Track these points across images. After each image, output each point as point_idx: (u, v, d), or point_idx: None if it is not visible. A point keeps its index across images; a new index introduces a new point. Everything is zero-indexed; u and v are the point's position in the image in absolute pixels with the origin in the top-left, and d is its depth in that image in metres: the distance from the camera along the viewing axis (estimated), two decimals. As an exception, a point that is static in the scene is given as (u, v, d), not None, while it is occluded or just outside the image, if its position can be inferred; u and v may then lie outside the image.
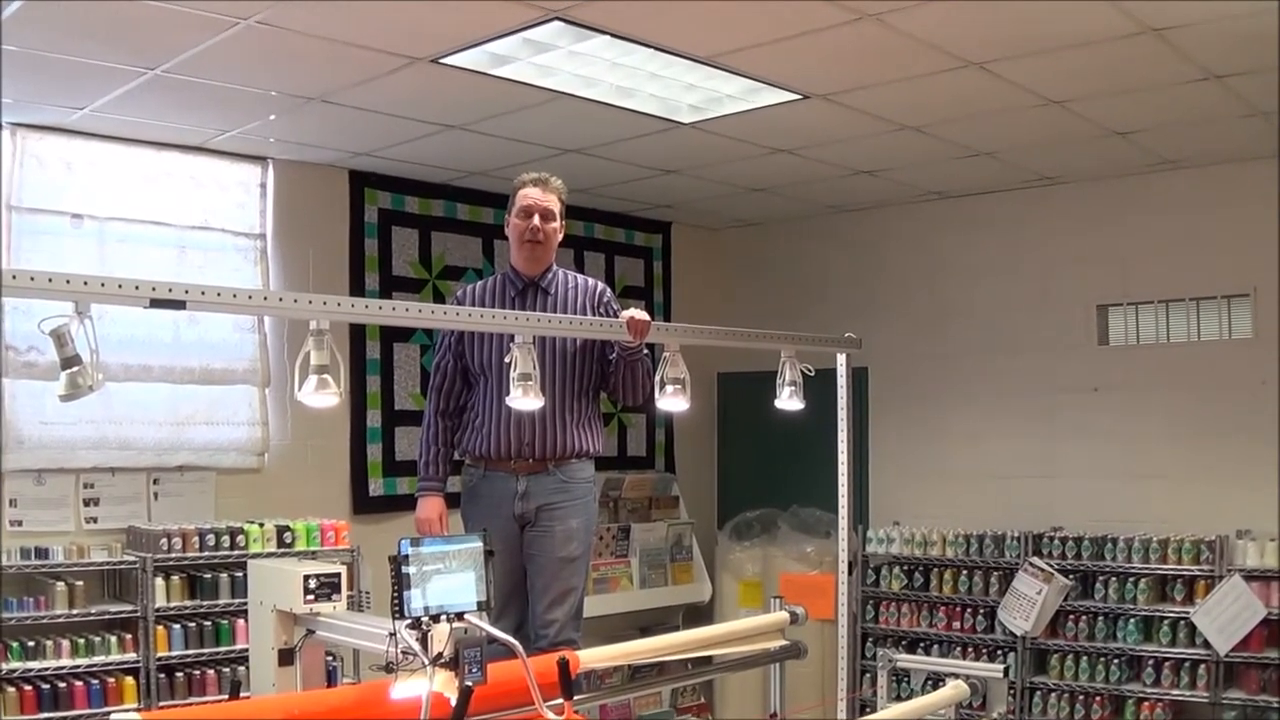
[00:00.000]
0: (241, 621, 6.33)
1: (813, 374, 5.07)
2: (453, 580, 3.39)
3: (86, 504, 6.45)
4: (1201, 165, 7.33)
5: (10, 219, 6.24)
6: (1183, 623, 7.00)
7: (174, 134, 6.60)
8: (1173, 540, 7.10)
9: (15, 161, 6.25)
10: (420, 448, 5.40)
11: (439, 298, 7.74)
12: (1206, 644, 6.87)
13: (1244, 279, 7.25)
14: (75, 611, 6.08)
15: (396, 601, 3.31)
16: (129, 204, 6.63)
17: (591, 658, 4.23)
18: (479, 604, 3.44)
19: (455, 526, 5.36)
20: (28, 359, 6.18)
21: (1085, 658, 7.30)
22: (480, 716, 3.62)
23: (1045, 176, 7.79)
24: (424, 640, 3.32)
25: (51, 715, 5.78)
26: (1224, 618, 6.81)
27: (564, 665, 3.73)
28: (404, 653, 3.36)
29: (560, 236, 5.27)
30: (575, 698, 3.79)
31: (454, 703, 3.25)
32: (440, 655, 3.31)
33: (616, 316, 4.80)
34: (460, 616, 3.38)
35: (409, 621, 3.32)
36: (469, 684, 3.25)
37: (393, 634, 3.37)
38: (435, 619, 3.33)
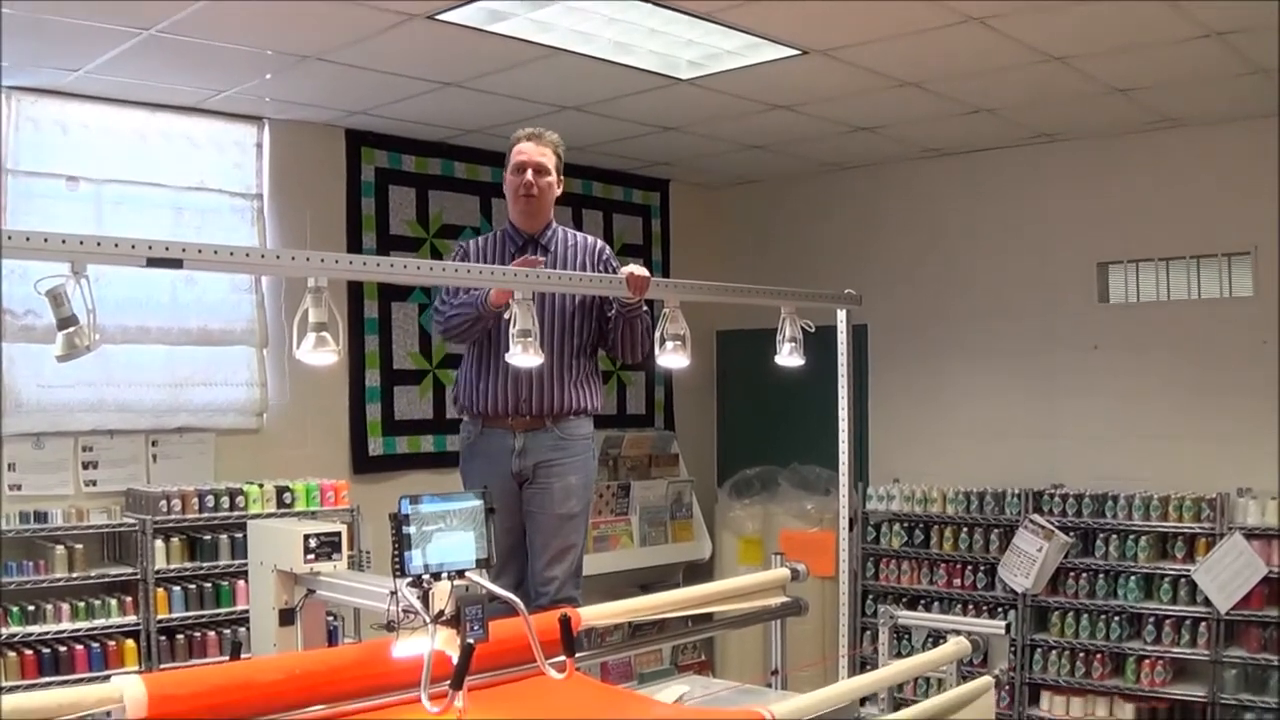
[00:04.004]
0: (242, 583, 6.34)
1: (813, 330, 5.04)
2: (453, 538, 3.38)
3: (85, 467, 6.45)
4: (1203, 123, 7.29)
5: (6, 182, 6.21)
6: (1183, 580, 7.02)
7: (169, 95, 6.56)
8: (1173, 498, 7.10)
9: (10, 125, 6.22)
10: (453, 313, 5.03)
11: (436, 256, 7.70)
12: (1207, 602, 6.89)
13: (1245, 237, 7.23)
14: (75, 575, 6.09)
15: (397, 560, 3.30)
16: (125, 166, 6.60)
17: (592, 615, 4.22)
18: (480, 561, 3.42)
19: (454, 484, 5.35)
20: (25, 322, 6.17)
21: (1086, 615, 7.31)
22: (482, 674, 3.61)
23: (1045, 134, 7.75)
24: (425, 598, 3.31)
25: (52, 679, 5.78)
26: (1225, 575, 6.82)
27: (565, 622, 3.71)
28: (405, 611, 3.35)
29: (558, 191, 5.22)
30: (576, 655, 3.79)
31: (456, 661, 3.24)
32: (442, 613, 3.30)
33: (616, 274, 4.78)
34: (461, 574, 3.37)
35: (410, 580, 3.31)
36: (471, 642, 3.24)
37: (394, 592, 3.35)
38: (436, 577, 3.32)
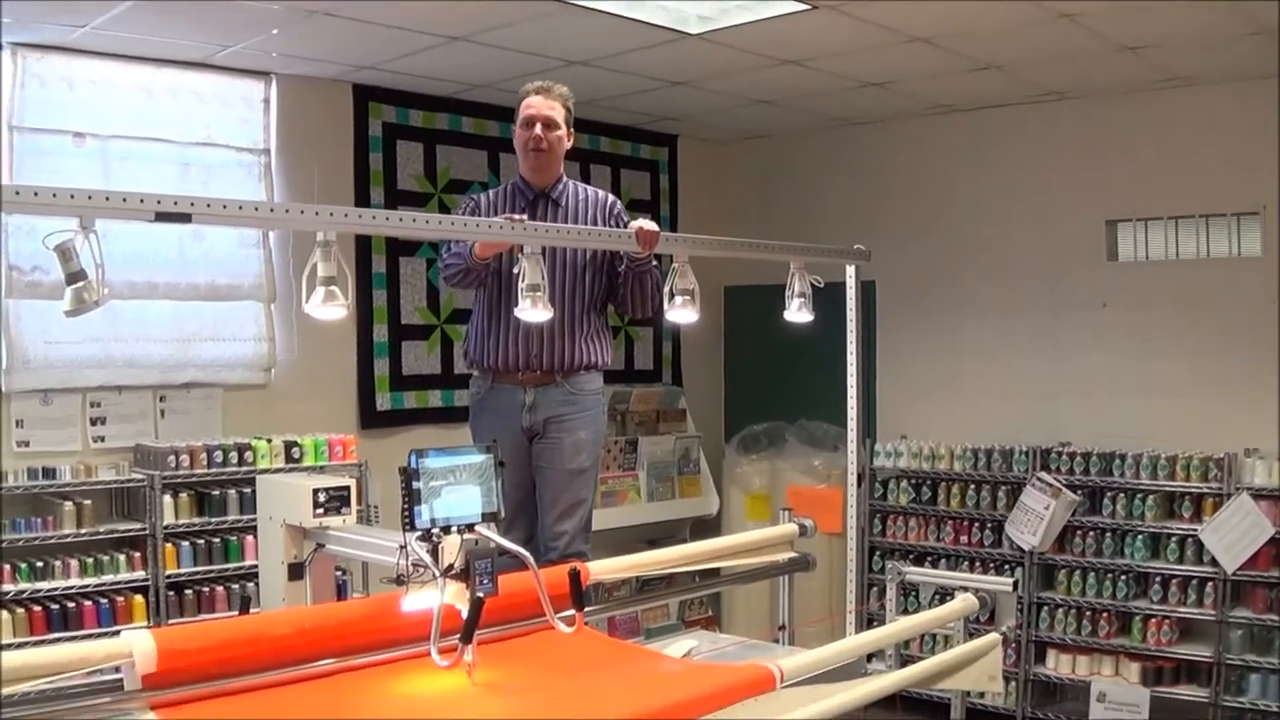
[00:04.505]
0: (250, 538, 6.35)
1: (821, 285, 5.03)
2: (462, 492, 3.38)
3: (93, 423, 6.45)
4: (1213, 82, 7.24)
5: (12, 139, 6.19)
6: (1190, 540, 7.02)
7: (176, 50, 6.53)
8: (1181, 457, 7.09)
9: (16, 82, 6.19)
10: (453, 258, 5.01)
11: (444, 211, 7.66)
12: (1214, 561, 6.89)
13: (1254, 197, 7.19)
14: (84, 531, 6.10)
15: (406, 514, 3.30)
16: (131, 122, 6.57)
17: (601, 569, 4.22)
18: (487, 515, 3.43)
19: (461, 439, 5.35)
20: (32, 279, 6.16)
21: (1093, 574, 7.32)
22: (491, 628, 3.62)
23: (1054, 91, 7.71)
24: (434, 552, 3.32)
25: (61, 635, 5.78)
26: (1231, 535, 6.82)
27: (575, 576, 3.73)
28: (414, 565, 3.36)
29: (568, 145, 5.20)
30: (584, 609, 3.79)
31: (465, 614, 3.24)
32: (451, 567, 3.31)
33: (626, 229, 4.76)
34: (470, 528, 3.37)
35: (419, 534, 3.31)
36: (480, 595, 3.24)
37: (403, 546, 3.36)
38: (445, 531, 3.32)
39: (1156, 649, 7.09)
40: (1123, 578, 7.21)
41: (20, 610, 5.83)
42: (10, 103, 6.17)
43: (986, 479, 7.78)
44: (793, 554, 4.89)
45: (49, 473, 6.05)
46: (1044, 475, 7.44)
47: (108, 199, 3.15)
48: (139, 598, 6.16)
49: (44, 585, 5.92)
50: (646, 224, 4.61)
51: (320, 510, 4.07)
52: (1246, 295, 7.20)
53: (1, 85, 6.15)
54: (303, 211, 3.55)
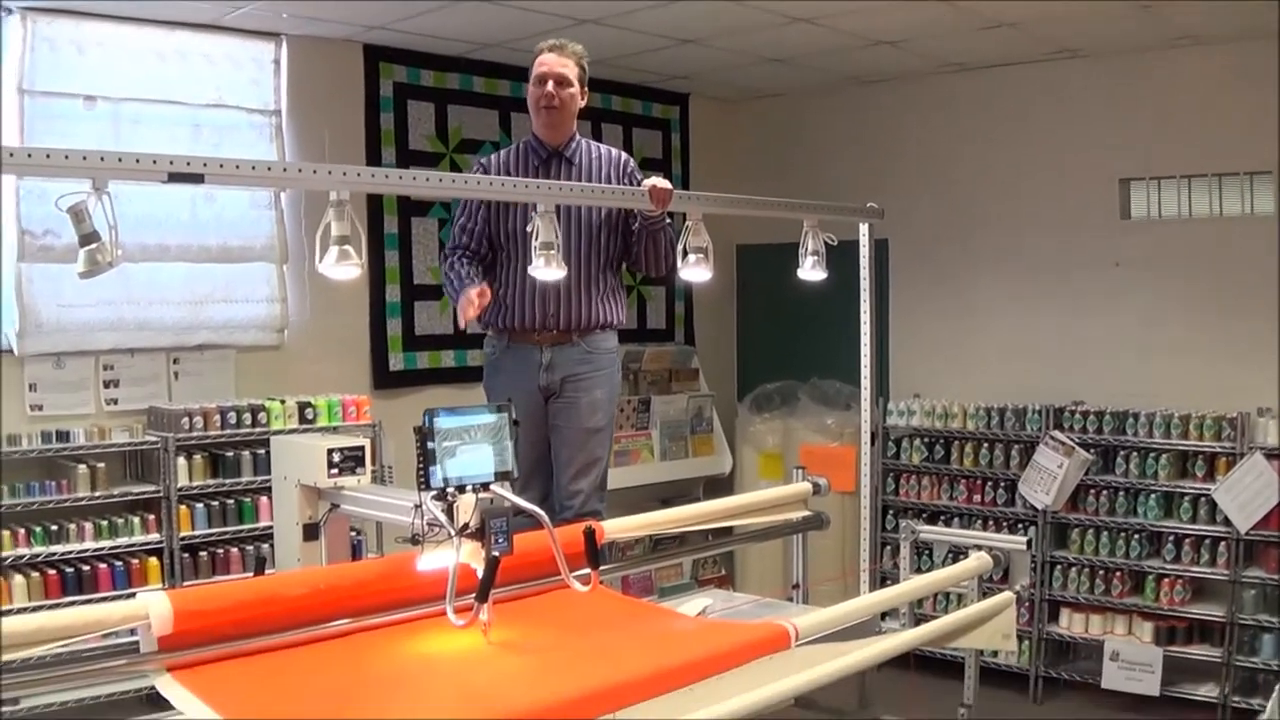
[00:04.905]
0: (264, 499, 6.36)
1: (835, 244, 5.02)
2: (477, 451, 3.38)
3: (106, 386, 6.45)
4: (1226, 41, 7.19)
5: (23, 103, 6.18)
6: (1203, 499, 7.01)
7: (185, 12, 6.50)
8: (1194, 416, 7.08)
9: (26, 45, 6.17)
10: (450, 278, 5.16)
11: (456, 171, 7.66)
12: (1227, 521, 6.88)
13: (1267, 156, 7.14)
14: (98, 494, 6.10)
15: (421, 473, 3.31)
16: (142, 84, 6.54)
17: (615, 528, 4.23)
18: (503, 474, 3.43)
19: (474, 399, 5.35)
20: (44, 242, 6.15)
21: (1106, 533, 7.32)
22: (507, 587, 3.63)
23: (1067, 49, 7.66)
24: (450, 511, 3.32)
25: (76, 598, 5.81)
26: (1245, 495, 6.81)
27: (590, 535, 3.73)
28: (429, 524, 3.36)
29: (581, 103, 5.18)
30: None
31: (481, 574, 3.25)
32: (466, 526, 3.31)
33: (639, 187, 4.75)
34: (486, 487, 3.38)
35: (434, 493, 3.31)
36: (495, 554, 3.25)
37: (418, 506, 3.36)
38: (460, 490, 3.33)
39: (1169, 608, 7.10)
40: (1136, 537, 7.21)
41: (35, 574, 5.84)
42: (21, 66, 6.15)
43: (1000, 438, 7.77)
44: (806, 513, 4.90)
45: (62, 436, 6.04)
46: (1057, 434, 7.43)
47: (120, 160, 3.14)
48: (153, 560, 6.17)
49: (58, 548, 5.94)
50: (660, 182, 4.61)
51: (335, 470, 4.08)
52: (1261, 254, 7.16)
53: (4, 49, 6.12)
54: (315, 171, 3.54)
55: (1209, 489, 6.95)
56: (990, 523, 7.68)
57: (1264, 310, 7.07)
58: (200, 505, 6.35)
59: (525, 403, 4.83)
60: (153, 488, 6.23)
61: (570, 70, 5.09)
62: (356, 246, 3.65)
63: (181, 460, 6.28)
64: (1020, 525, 7.55)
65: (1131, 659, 7.12)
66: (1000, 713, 6.88)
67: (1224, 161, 7.38)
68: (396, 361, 7.65)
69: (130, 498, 6.23)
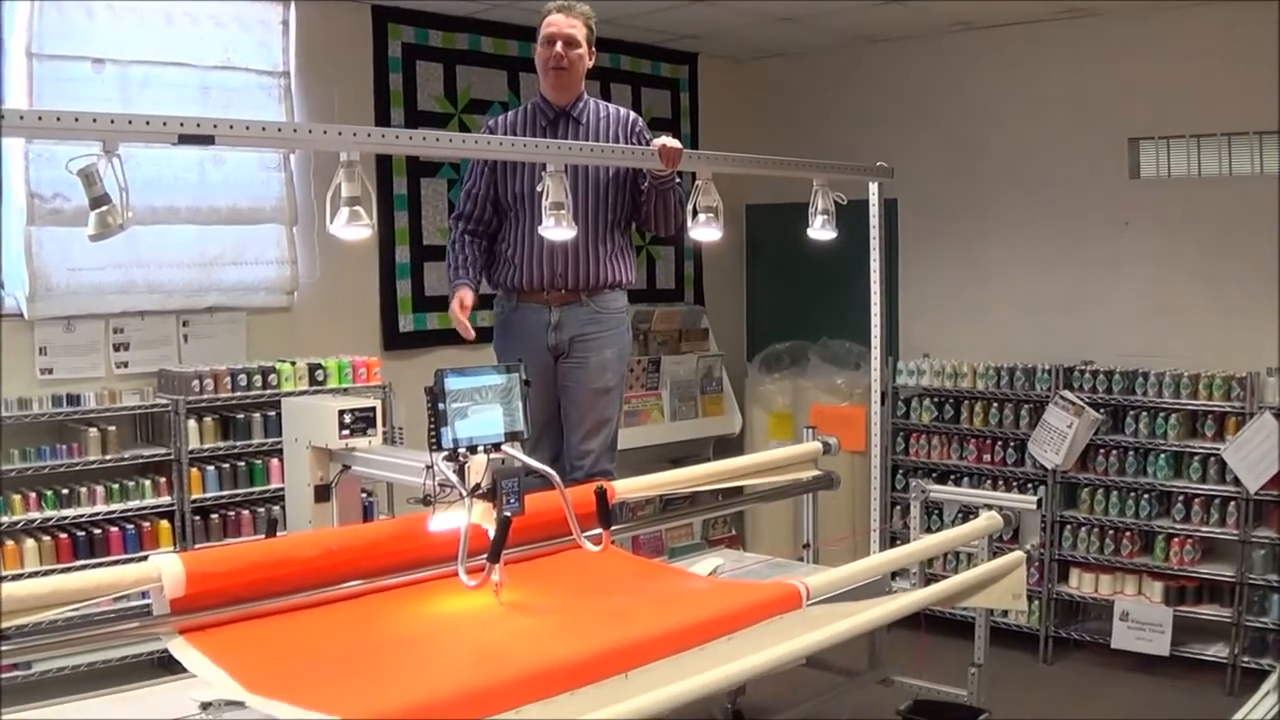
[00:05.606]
0: (275, 461, 6.37)
1: (845, 203, 5.01)
2: (488, 412, 3.39)
3: (117, 349, 6.44)
4: (1236, -1, 7.17)
5: (31, 66, 6.16)
6: (1213, 459, 6.99)
7: (193, -27, 6.49)
8: (1203, 376, 7.05)
9: (34, 9, 6.14)
10: (450, 259, 5.33)
11: (465, 131, 7.64)
12: (1236, 481, 6.86)
13: (1277, 116, 7.11)
14: (109, 457, 6.09)
15: (432, 434, 3.31)
16: (150, 47, 6.51)
17: (626, 488, 4.24)
18: (513, 435, 3.43)
19: (484, 360, 5.35)
20: (54, 206, 6.13)
21: (1115, 492, 7.31)
22: (519, 547, 3.64)
23: (1076, 7, 7.62)
24: (461, 472, 3.33)
25: (88, 561, 5.82)
26: (1254, 455, 6.79)
27: (601, 494, 3.74)
28: (441, 485, 3.37)
29: (589, 63, 5.18)
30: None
31: (492, 534, 3.26)
32: (478, 487, 3.32)
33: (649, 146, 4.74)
34: (497, 448, 3.38)
35: (445, 454, 3.32)
36: (507, 515, 3.26)
37: (429, 467, 3.37)
38: (472, 450, 3.33)
39: (1179, 568, 7.09)
40: (1145, 497, 7.20)
41: (46, 538, 5.85)
42: (29, 30, 6.13)
43: (1009, 397, 7.75)
44: (816, 472, 4.91)
45: (73, 399, 6.04)
46: (1067, 394, 7.42)
47: (131, 122, 3.14)
48: (165, 523, 6.18)
49: (69, 512, 5.94)
50: (669, 141, 4.60)
51: (346, 432, 4.09)
52: (1270, 213, 7.12)
53: (12, 12, 6.09)
54: (325, 132, 3.54)
55: (1219, 449, 6.93)
56: (1000, 482, 7.68)
57: (1274, 269, 7.03)
58: (211, 468, 6.35)
59: (535, 363, 4.84)
60: (163, 450, 6.24)
61: (578, 30, 5.08)
62: (367, 207, 3.65)
63: (192, 423, 6.28)
64: (1030, 485, 7.54)
65: (1141, 619, 7.12)
66: (1010, 673, 6.89)
67: (1233, 121, 7.33)
68: (406, 323, 7.65)
69: (141, 460, 6.23)
